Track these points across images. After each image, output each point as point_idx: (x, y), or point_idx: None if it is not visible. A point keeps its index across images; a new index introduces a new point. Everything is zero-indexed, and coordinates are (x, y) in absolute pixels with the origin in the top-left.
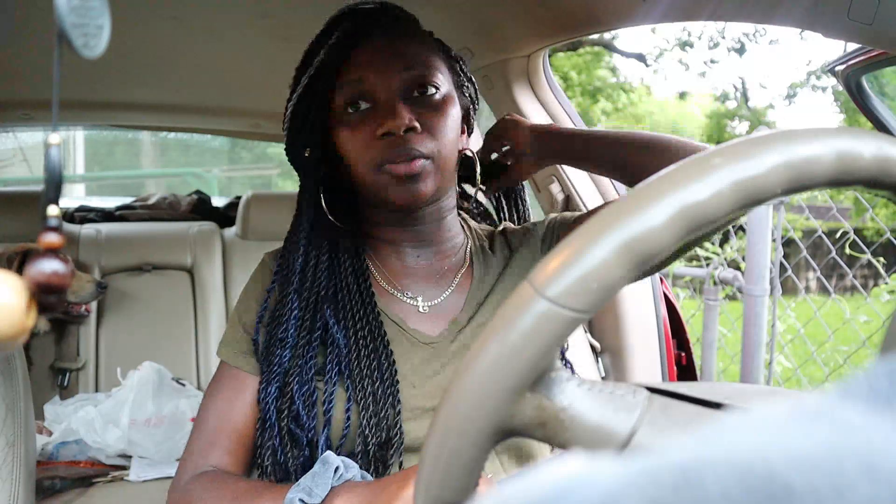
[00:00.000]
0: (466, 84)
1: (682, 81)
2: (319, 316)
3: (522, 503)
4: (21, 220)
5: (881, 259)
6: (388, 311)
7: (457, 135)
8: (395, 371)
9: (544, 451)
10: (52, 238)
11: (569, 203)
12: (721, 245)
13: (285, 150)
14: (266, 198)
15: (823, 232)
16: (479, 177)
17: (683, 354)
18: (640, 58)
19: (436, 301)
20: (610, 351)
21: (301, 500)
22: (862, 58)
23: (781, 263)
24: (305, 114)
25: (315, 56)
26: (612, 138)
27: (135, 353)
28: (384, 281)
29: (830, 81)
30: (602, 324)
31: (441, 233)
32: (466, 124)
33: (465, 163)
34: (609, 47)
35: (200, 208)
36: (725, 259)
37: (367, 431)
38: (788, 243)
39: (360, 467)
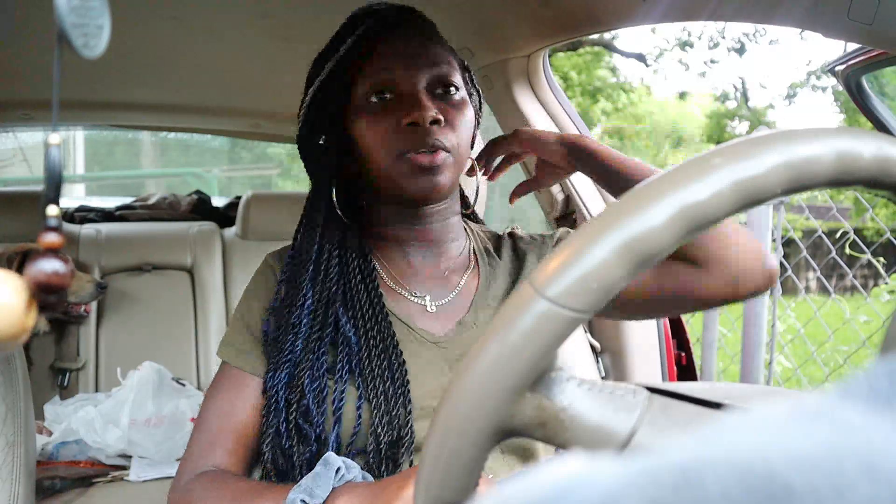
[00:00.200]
0: (473, 94)
1: (682, 81)
2: (331, 312)
3: (522, 503)
4: (21, 220)
5: (881, 259)
6: (396, 311)
7: (471, 137)
8: (406, 371)
9: (550, 450)
10: (52, 238)
11: (569, 203)
12: None
13: (297, 139)
14: (266, 198)
15: (823, 232)
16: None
17: (683, 354)
18: (640, 58)
19: (443, 301)
20: (610, 351)
21: (302, 501)
22: (862, 58)
23: (781, 263)
24: (324, 101)
25: (341, 44)
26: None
27: (135, 353)
28: (391, 280)
29: (830, 81)
30: (602, 324)
31: (445, 233)
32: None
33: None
34: (609, 47)
35: (200, 208)
36: None
37: (379, 430)
38: (788, 243)
39: (371, 465)
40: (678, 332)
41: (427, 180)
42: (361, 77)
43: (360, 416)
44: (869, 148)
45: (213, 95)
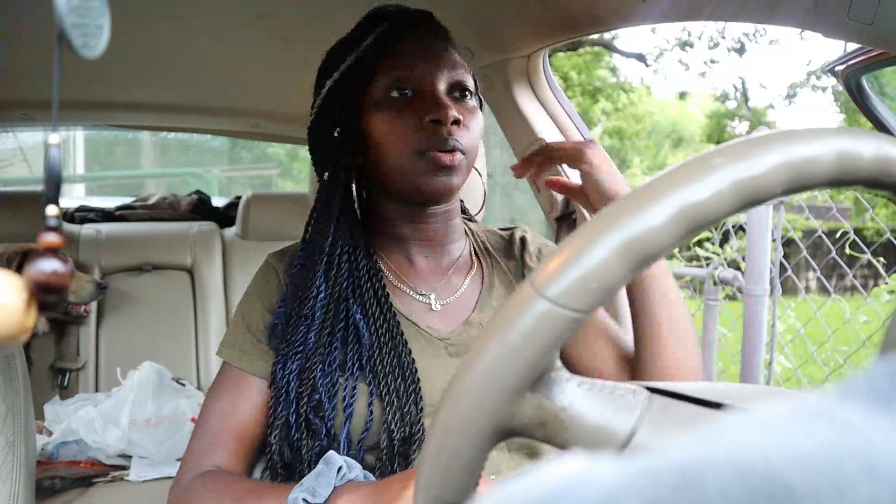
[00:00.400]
0: (480, 100)
1: (682, 81)
2: (342, 307)
3: (522, 503)
4: (21, 220)
5: (881, 259)
6: (401, 309)
7: (480, 143)
8: (416, 369)
9: (554, 448)
10: (51, 238)
11: (569, 203)
12: (721, 245)
13: (308, 132)
14: (266, 198)
15: (823, 232)
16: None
17: None
18: (640, 58)
19: (447, 301)
20: None
21: (304, 500)
22: (862, 58)
23: (781, 263)
24: (341, 93)
25: (363, 38)
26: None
27: (135, 353)
28: (395, 279)
29: (830, 81)
30: None
31: (447, 233)
32: None
33: None
34: (609, 47)
35: (200, 208)
36: (725, 259)
37: (392, 426)
38: (788, 243)
39: (384, 462)
40: None
41: (442, 180)
42: (382, 72)
43: (371, 413)
44: (869, 148)
45: (213, 95)
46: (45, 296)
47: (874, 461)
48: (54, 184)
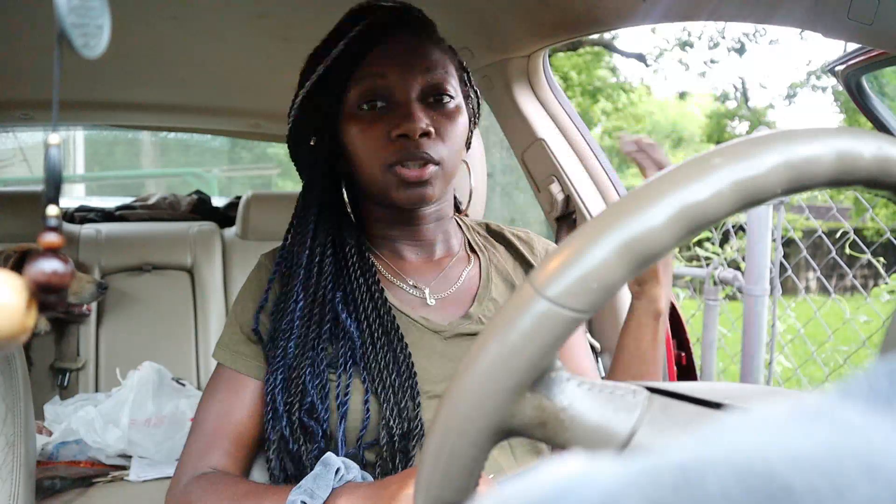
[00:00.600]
0: (471, 95)
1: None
2: (329, 309)
3: (522, 503)
4: (21, 220)
5: (881, 259)
6: (396, 303)
7: (463, 145)
8: (412, 363)
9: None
10: (52, 238)
11: (569, 203)
12: (721, 245)
13: (287, 139)
14: (266, 198)
15: (823, 232)
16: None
17: (683, 354)
18: (640, 58)
19: (443, 294)
20: (610, 351)
21: (303, 502)
22: (862, 58)
23: (781, 263)
24: (317, 103)
25: (334, 45)
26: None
27: (135, 353)
28: (389, 273)
29: (830, 81)
30: (602, 324)
31: (439, 232)
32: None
33: None
34: (609, 47)
35: (200, 208)
36: (725, 259)
37: (391, 423)
38: (788, 243)
39: (385, 458)
40: (678, 332)
41: (414, 192)
42: (354, 82)
43: (368, 410)
44: (869, 148)
45: (213, 95)
46: (46, 296)
47: (874, 461)
48: (54, 184)
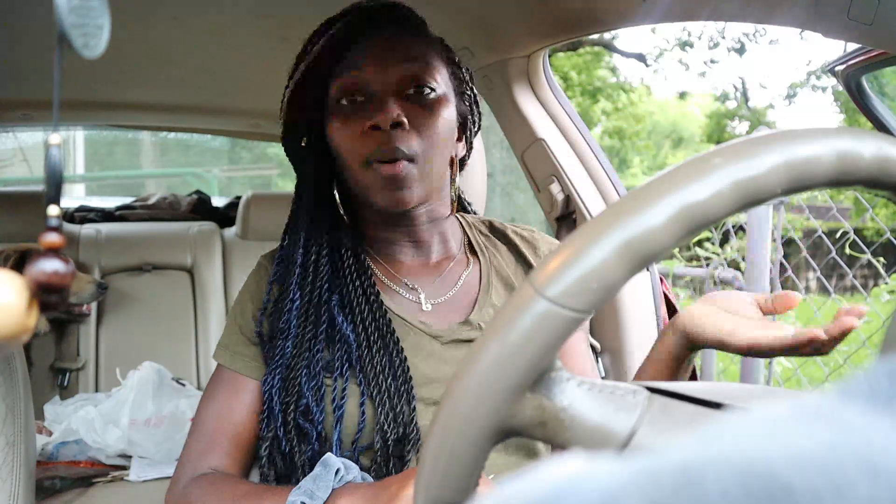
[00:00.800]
0: (468, 92)
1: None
2: (324, 310)
3: (522, 503)
4: (21, 220)
5: (881, 259)
6: (392, 308)
7: (449, 139)
8: (408, 367)
9: (553, 448)
10: (52, 238)
11: (569, 203)
12: (721, 245)
13: (282, 139)
14: (266, 198)
15: (823, 232)
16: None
17: None
18: (640, 58)
19: (441, 299)
20: (610, 351)
21: (303, 503)
22: (862, 58)
23: (781, 263)
24: (302, 102)
25: (315, 45)
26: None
27: (135, 353)
28: (385, 277)
29: (830, 81)
30: (602, 324)
31: (435, 233)
32: (463, 132)
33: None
34: (609, 47)
35: (200, 208)
36: (725, 259)
37: (386, 427)
38: (788, 243)
39: (379, 463)
40: None
41: (392, 195)
42: (333, 79)
43: (363, 414)
44: (869, 148)
45: (212, 95)
46: (47, 296)
47: (874, 461)
48: (55, 184)
